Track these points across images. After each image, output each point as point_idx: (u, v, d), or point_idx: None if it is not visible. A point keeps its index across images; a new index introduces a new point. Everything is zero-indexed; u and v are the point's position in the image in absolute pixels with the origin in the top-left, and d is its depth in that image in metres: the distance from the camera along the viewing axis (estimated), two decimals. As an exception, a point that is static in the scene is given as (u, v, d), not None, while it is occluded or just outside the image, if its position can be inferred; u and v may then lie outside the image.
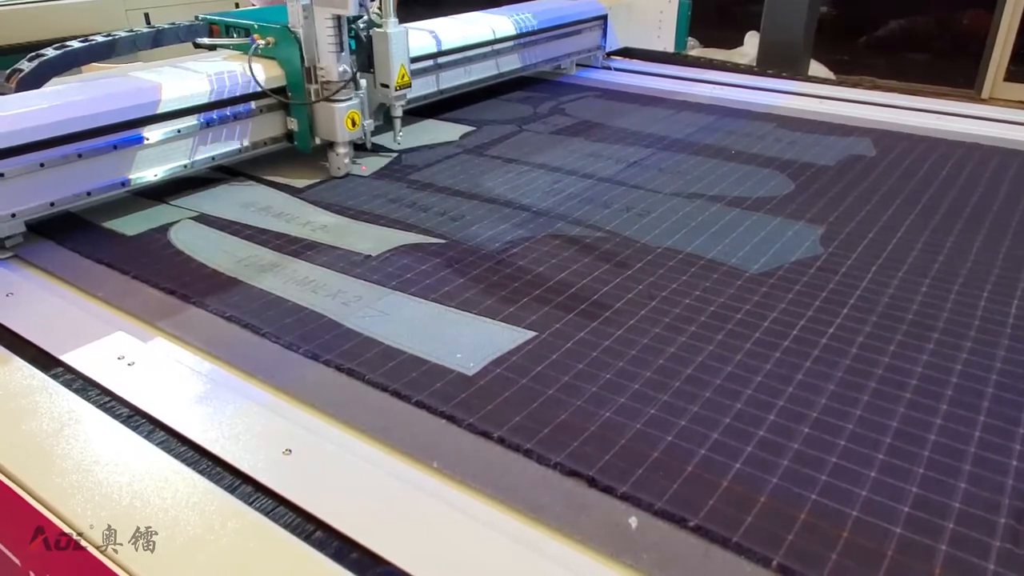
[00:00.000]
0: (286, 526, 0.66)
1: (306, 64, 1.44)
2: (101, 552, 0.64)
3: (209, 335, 0.95)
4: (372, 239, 1.22)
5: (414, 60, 1.60)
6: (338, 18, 1.39)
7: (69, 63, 1.45)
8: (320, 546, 0.64)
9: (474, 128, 1.78)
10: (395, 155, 1.62)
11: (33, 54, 1.40)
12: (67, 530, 0.66)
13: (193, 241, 1.20)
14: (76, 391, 0.85)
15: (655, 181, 1.46)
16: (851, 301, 1.02)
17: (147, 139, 1.29)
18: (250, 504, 0.69)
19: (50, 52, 1.41)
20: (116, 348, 0.93)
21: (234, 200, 1.37)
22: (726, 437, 0.77)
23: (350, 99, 1.46)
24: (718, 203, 1.35)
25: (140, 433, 0.78)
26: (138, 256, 1.15)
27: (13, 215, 1.16)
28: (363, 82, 1.50)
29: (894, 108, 1.92)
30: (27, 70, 1.36)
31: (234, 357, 0.91)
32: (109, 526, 0.66)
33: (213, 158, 1.42)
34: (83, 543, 0.65)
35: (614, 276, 1.09)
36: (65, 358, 0.91)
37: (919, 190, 1.41)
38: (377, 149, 1.63)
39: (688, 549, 0.64)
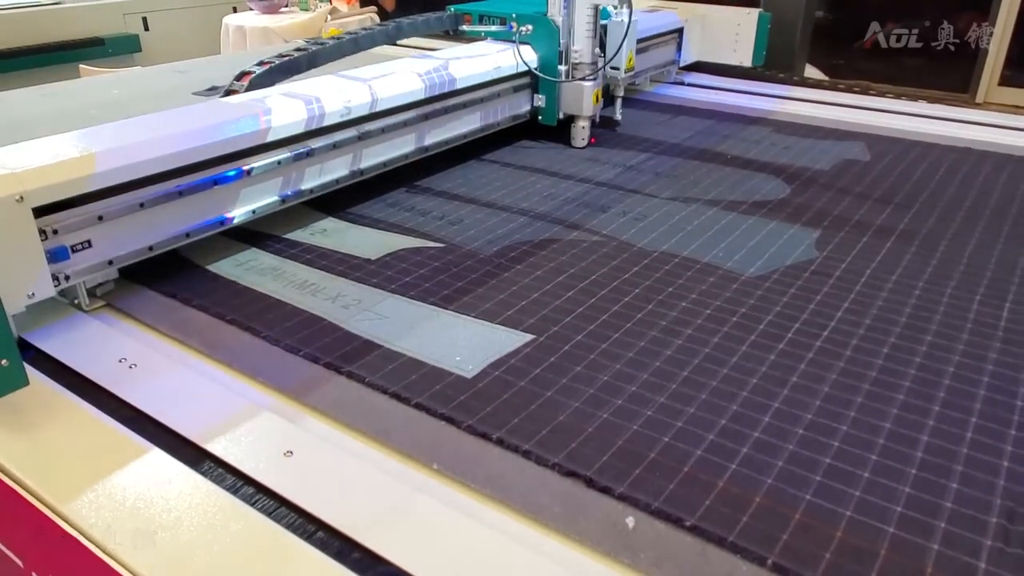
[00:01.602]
0: (288, 526, 0.67)
1: (560, 48, 1.66)
2: (104, 552, 0.65)
3: (210, 338, 0.96)
4: (371, 243, 1.23)
5: (515, 77, 1.72)
6: (595, 7, 1.62)
7: (302, 66, 1.47)
8: (322, 546, 0.65)
9: None
10: (617, 127, 1.85)
11: (267, 58, 1.41)
12: (70, 531, 0.67)
13: (192, 245, 1.21)
14: (78, 394, 0.85)
15: (651, 185, 1.47)
16: (845, 304, 1.03)
17: (249, 170, 1.18)
18: (252, 505, 0.69)
19: (290, 51, 1.43)
20: (118, 351, 0.93)
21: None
22: (722, 438, 0.78)
23: (595, 79, 1.68)
24: (714, 207, 1.36)
25: (142, 435, 0.79)
26: (139, 261, 1.16)
27: (111, 262, 1.04)
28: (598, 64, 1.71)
29: (888, 113, 1.94)
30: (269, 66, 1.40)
31: (235, 359, 0.92)
32: (111, 527, 0.67)
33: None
34: (86, 544, 0.66)
35: (611, 280, 1.10)
36: (66, 361, 0.91)
37: (913, 194, 1.43)
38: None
39: (685, 548, 0.65)
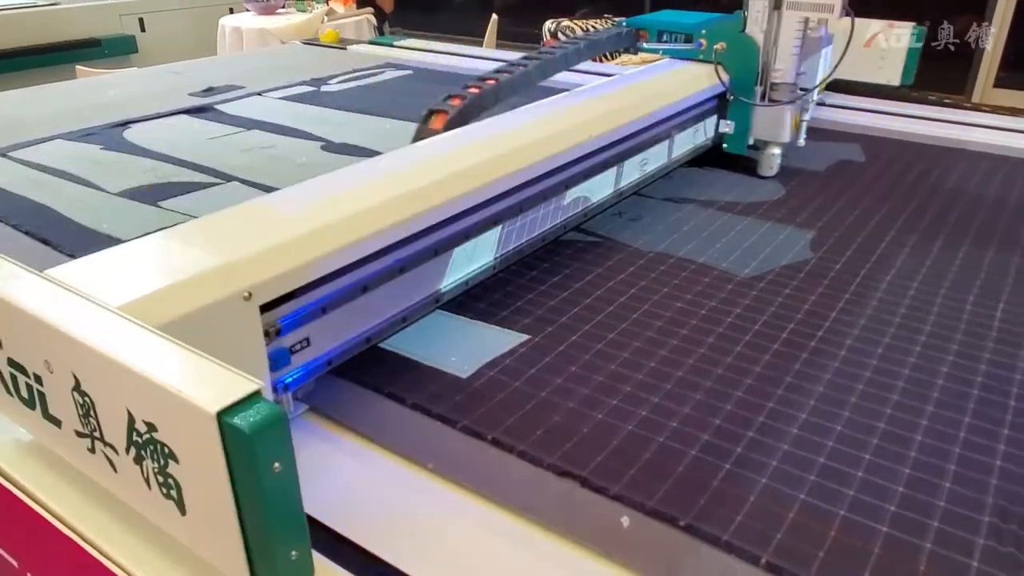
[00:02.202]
0: (283, 527, 0.67)
1: (759, 67, 1.47)
2: (100, 553, 0.65)
3: (206, 339, 0.96)
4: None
5: (705, 102, 1.53)
6: (805, 20, 1.42)
7: (494, 100, 1.26)
8: (317, 546, 0.65)
9: None
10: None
11: (449, 94, 1.20)
12: (66, 531, 0.67)
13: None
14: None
15: (647, 186, 1.47)
16: (840, 304, 1.04)
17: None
18: (247, 505, 0.69)
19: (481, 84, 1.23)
20: (113, 352, 0.93)
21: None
22: (716, 438, 0.78)
23: (794, 102, 1.49)
24: (709, 208, 1.37)
25: (138, 436, 0.78)
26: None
27: (329, 362, 0.86)
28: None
29: (883, 114, 1.94)
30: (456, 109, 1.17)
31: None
32: (108, 527, 0.67)
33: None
34: (82, 544, 0.66)
35: (606, 280, 1.10)
36: None
37: (907, 195, 1.43)
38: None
39: (680, 548, 0.65)
